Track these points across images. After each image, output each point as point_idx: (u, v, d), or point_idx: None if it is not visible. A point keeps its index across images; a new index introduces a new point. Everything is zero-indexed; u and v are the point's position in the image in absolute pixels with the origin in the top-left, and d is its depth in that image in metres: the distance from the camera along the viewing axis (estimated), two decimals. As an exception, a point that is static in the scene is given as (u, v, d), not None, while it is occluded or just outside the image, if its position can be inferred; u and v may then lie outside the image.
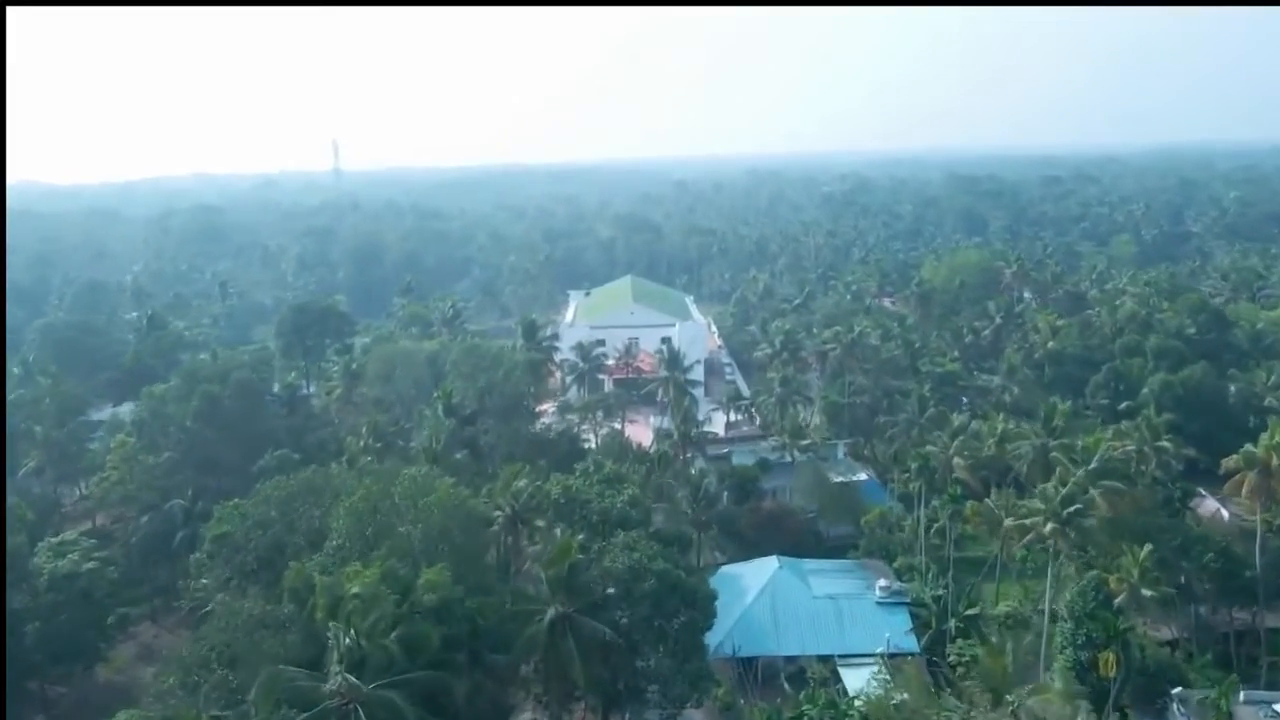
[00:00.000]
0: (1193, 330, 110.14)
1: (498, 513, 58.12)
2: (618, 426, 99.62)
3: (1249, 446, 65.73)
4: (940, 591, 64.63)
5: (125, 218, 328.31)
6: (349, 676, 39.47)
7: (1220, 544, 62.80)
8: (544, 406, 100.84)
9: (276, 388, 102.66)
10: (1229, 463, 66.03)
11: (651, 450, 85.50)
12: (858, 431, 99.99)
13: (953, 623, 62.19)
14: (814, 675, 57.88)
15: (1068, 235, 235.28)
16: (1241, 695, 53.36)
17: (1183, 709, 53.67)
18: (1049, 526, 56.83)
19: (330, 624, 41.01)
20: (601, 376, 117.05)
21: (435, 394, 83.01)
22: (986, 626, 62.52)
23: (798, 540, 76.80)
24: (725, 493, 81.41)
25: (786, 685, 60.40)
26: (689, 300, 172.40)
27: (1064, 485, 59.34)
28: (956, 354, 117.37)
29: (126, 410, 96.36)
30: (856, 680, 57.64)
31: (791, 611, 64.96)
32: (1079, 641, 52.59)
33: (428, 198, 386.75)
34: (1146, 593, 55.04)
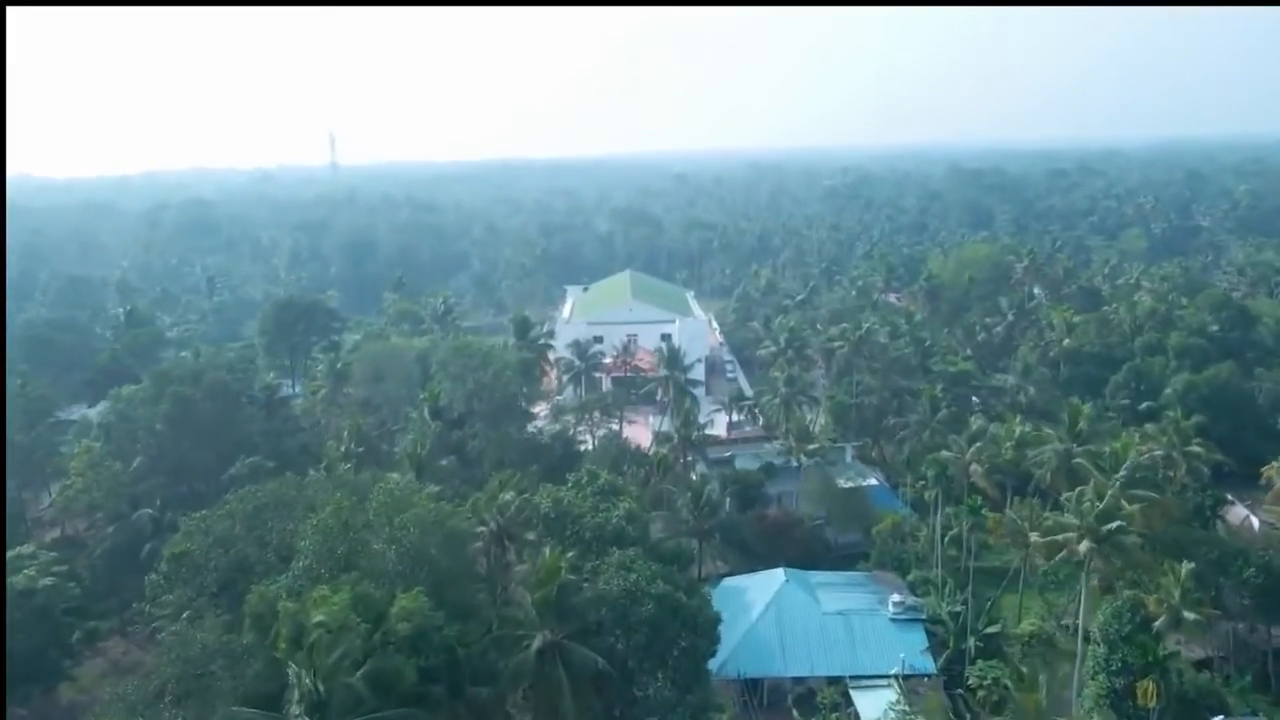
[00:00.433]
0: (1215, 327, 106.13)
1: (481, 528, 53.78)
2: (615, 427, 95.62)
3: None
4: (958, 608, 61.02)
5: (118, 211, 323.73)
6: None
7: (1262, 558, 58.45)
8: (539, 407, 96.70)
9: (257, 388, 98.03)
10: (1270, 471, 61.74)
11: (650, 453, 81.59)
12: (865, 433, 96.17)
13: (972, 641, 58.66)
14: (823, 699, 54.58)
15: (1076, 229, 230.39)
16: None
17: (1226, 740, 49.64)
18: (1083, 544, 51.81)
19: (290, 660, 36.77)
20: (599, 375, 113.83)
21: (422, 396, 78.82)
22: (1009, 646, 58.86)
23: (804, 549, 73.36)
24: (728, 499, 77.60)
25: (794, 710, 56.66)
26: (689, 296, 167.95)
27: (1097, 496, 54.41)
28: (969, 352, 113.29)
29: (97, 413, 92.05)
30: (869, 704, 54.38)
31: (799, 629, 61.13)
32: (1113, 668, 48.78)
33: (424, 191, 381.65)
34: (1189, 615, 50.30)
